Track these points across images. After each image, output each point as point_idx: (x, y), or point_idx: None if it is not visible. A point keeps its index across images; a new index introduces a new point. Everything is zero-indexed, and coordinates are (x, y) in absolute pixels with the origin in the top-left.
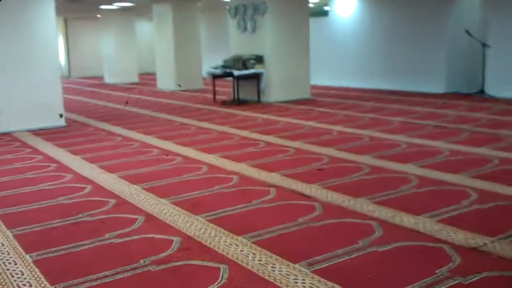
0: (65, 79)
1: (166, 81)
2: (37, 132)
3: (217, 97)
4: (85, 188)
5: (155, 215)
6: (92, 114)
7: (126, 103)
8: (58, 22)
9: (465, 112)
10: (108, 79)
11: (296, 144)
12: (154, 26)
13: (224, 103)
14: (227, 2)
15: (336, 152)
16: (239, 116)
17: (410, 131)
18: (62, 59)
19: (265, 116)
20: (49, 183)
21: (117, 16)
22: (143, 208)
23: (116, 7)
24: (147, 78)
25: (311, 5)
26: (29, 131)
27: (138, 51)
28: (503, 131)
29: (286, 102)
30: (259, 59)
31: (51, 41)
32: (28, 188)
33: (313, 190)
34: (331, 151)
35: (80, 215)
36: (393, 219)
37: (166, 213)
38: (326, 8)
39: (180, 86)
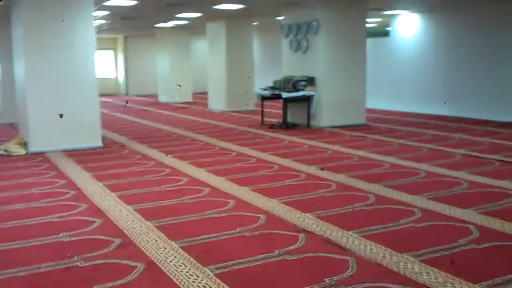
0: (122, 96)
1: (217, 102)
2: (71, 153)
3: (266, 119)
4: (93, 222)
5: (158, 264)
6: (134, 134)
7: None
8: (119, 39)
9: None
10: (161, 98)
11: (341, 177)
12: (207, 44)
13: (271, 127)
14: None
15: (385, 190)
16: (285, 141)
17: (473, 167)
18: (120, 76)
19: (313, 142)
20: (58, 215)
21: (172, 34)
22: (147, 253)
23: (171, 25)
24: (202, 97)
25: (371, 25)
26: (64, 151)
27: (193, 70)
28: None
29: (338, 127)
30: (311, 81)
31: (89, 58)
32: (34, 219)
33: (350, 239)
34: (379, 189)
35: (76, 257)
36: (444, 287)
37: (171, 261)
38: (388, 28)
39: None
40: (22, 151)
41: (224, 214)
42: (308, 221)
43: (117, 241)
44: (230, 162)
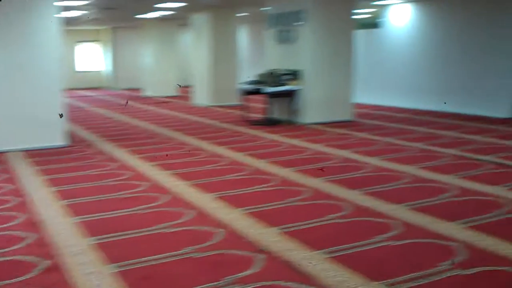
0: (110, 90)
1: (201, 96)
2: (32, 153)
3: (250, 115)
4: (25, 239)
5: None
6: (106, 132)
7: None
8: (106, 31)
9: None
10: (146, 92)
11: (317, 183)
12: (192, 36)
13: (253, 123)
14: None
15: (363, 198)
16: (264, 140)
17: (464, 170)
18: (109, 69)
19: (293, 141)
20: None
21: (157, 26)
22: (74, 281)
23: (157, 16)
24: (189, 91)
25: (363, 16)
26: (25, 150)
27: (180, 63)
28: None
29: (323, 124)
30: (295, 75)
31: (51, 49)
32: None
33: (315, 262)
34: (356, 196)
35: None
36: None
37: None
38: (379, 19)
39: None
40: None
41: (177, 229)
42: (270, 237)
43: (44, 263)
44: (201, 164)
